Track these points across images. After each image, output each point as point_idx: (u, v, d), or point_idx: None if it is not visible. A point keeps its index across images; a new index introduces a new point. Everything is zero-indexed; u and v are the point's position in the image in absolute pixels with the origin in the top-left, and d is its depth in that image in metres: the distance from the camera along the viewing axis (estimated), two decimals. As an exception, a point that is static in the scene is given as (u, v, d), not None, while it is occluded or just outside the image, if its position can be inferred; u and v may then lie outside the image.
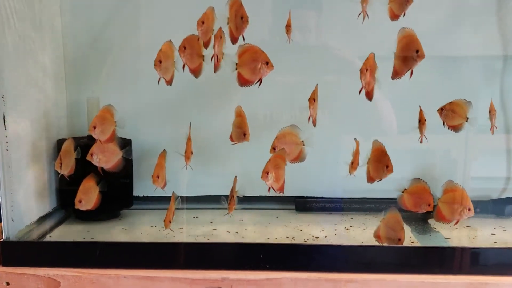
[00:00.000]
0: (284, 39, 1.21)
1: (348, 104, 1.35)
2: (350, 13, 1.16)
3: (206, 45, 1.11)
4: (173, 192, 1.22)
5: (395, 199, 1.40)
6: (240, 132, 1.17)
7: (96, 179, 1.23)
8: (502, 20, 1.36)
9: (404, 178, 1.26)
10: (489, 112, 1.25)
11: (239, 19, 1.10)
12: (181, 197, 1.24)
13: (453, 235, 1.26)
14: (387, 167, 1.16)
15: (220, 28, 1.11)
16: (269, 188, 1.13)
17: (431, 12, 1.37)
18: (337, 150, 1.42)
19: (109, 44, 1.41)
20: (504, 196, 1.42)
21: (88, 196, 1.22)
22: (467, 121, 1.18)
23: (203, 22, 1.09)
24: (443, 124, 1.20)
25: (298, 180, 1.43)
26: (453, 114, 1.19)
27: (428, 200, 1.15)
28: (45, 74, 1.34)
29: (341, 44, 1.40)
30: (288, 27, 1.21)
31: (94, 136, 1.18)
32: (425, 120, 1.21)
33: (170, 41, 1.16)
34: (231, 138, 1.21)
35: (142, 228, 1.31)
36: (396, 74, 1.13)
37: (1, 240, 1.14)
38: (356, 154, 1.23)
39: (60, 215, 1.37)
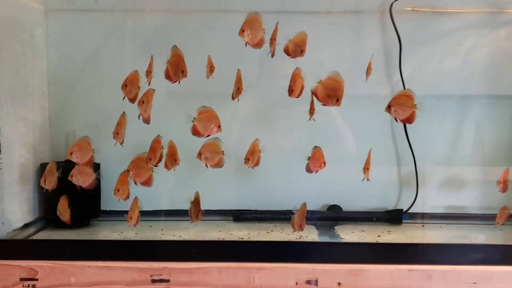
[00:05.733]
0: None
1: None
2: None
3: (132, 101, 1.47)
4: (135, 197, 1.52)
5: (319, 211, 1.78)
6: (172, 160, 1.49)
7: (68, 200, 1.56)
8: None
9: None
10: (366, 71, 1.51)
11: (179, 72, 1.44)
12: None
13: (349, 237, 1.60)
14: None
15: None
16: (246, 44, 1.40)
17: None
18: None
19: (89, 81, 1.77)
20: (398, 207, 1.77)
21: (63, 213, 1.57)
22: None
23: (126, 85, 1.45)
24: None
25: (237, 197, 1.81)
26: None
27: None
28: (33, 111, 1.71)
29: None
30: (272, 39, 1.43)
31: (71, 160, 1.51)
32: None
33: (136, 71, 1.46)
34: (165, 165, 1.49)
35: (105, 233, 1.65)
36: (315, 95, 1.39)
37: (-7, 239, 1.47)
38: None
39: (42, 223, 1.70)
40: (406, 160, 1.76)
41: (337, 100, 1.38)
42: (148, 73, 1.46)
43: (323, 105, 1.41)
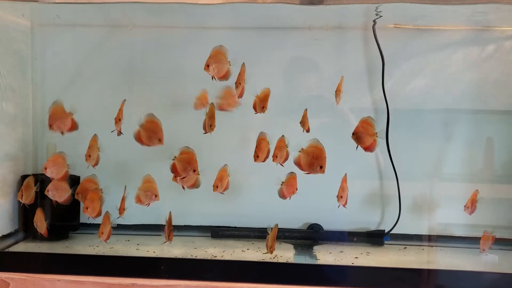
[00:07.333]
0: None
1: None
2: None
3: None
4: (107, 211, 1.52)
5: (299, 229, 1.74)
6: (150, 195, 1.49)
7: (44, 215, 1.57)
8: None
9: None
10: (336, 91, 1.48)
11: (156, 139, 1.43)
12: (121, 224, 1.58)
13: (324, 258, 1.57)
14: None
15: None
16: (212, 77, 1.41)
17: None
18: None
19: (73, 96, 1.75)
20: (379, 228, 1.73)
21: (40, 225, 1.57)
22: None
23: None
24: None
25: (217, 213, 1.79)
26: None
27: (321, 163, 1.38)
28: (17, 124, 1.73)
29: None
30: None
31: (47, 175, 1.51)
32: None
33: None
34: (138, 198, 1.49)
35: (81, 247, 1.64)
36: (298, 165, 1.39)
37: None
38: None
39: (21, 235, 1.70)
40: (391, 179, 1.72)
41: (321, 167, 1.38)
42: (117, 120, 1.47)
43: (307, 173, 1.40)
